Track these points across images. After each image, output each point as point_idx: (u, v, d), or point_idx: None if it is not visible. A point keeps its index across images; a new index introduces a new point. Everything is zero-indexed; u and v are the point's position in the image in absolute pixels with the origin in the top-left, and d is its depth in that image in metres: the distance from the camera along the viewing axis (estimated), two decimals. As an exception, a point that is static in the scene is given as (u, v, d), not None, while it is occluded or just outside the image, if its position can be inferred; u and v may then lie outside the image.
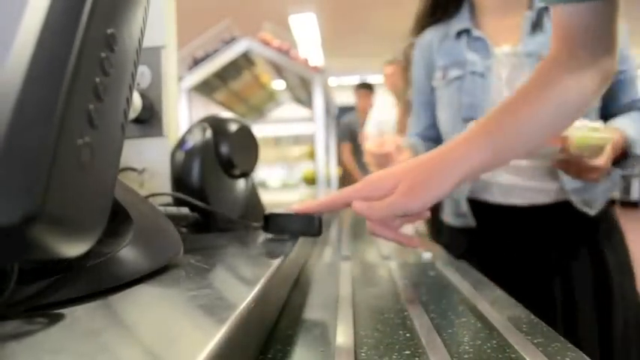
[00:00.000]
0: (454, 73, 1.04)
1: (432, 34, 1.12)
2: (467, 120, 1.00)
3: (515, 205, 0.98)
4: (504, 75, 0.99)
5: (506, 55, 0.99)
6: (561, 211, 0.95)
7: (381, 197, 0.55)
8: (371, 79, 8.19)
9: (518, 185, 0.97)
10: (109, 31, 0.26)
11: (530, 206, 0.97)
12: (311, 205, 0.58)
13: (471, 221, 1.03)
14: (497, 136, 0.57)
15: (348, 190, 0.56)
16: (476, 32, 1.03)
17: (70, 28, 0.23)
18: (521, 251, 0.98)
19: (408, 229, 1.08)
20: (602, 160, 0.79)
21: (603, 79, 0.63)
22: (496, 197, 1.00)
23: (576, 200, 0.93)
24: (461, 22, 1.06)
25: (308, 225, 0.58)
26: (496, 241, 1.01)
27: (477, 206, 1.03)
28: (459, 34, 1.05)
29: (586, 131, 0.76)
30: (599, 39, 0.62)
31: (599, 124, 0.77)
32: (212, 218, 0.66)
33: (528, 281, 0.95)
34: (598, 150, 0.77)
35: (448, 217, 1.12)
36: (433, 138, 1.15)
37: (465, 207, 1.04)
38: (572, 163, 0.81)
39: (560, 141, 0.77)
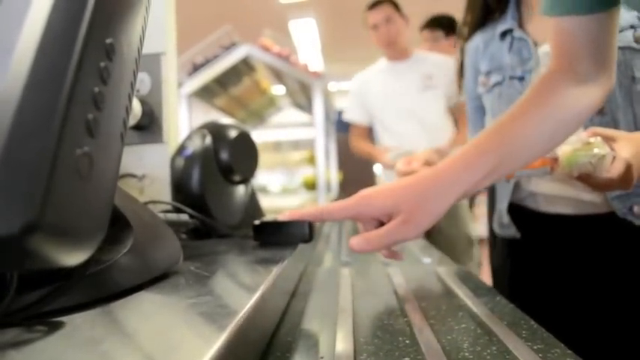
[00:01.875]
0: (494, 78, 0.98)
1: (479, 38, 1.05)
2: None
3: (561, 214, 0.91)
4: None
5: (548, 54, 0.88)
6: (611, 221, 0.85)
7: (371, 216, 0.55)
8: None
9: (564, 194, 0.91)
10: (108, 40, 0.26)
11: (577, 215, 0.89)
12: (300, 213, 0.58)
13: (514, 232, 0.98)
14: (495, 156, 0.56)
15: (339, 205, 0.55)
16: (518, 32, 0.94)
17: (70, 38, 0.23)
18: (566, 262, 0.91)
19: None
20: (614, 173, 0.69)
21: (602, 93, 0.63)
22: (541, 206, 0.94)
23: (619, 208, 0.83)
24: (506, 22, 0.97)
25: (299, 231, 0.58)
26: (540, 250, 0.96)
27: (522, 214, 0.98)
28: (504, 35, 0.97)
29: (574, 148, 0.71)
30: (600, 52, 0.61)
31: (594, 138, 0.72)
32: (211, 225, 0.66)
33: (571, 293, 0.90)
34: (589, 167, 0.70)
35: (495, 227, 1.07)
36: None
37: (506, 218, 0.99)
38: (587, 176, 0.73)
39: (549, 162, 0.74)
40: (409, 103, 2.17)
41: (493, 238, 1.12)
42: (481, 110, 1.08)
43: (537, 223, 0.96)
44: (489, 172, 0.55)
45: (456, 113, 2.18)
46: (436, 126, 2.15)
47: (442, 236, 2.01)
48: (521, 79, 0.92)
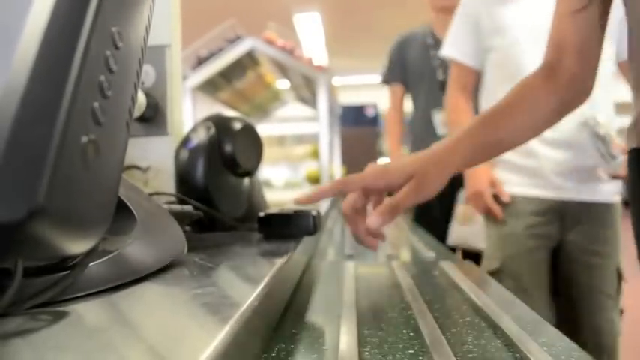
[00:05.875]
0: None
1: None
2: None
3: None
4: None
5: None
6: None
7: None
8: (375, 78, 8.17)
9: None
10: (114, 29, 0.26)
11: None
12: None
13: None
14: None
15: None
16: None
17: (76, 26, 0.23)
18: None
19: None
20: None
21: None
22: None
23: None
24: None
25: (303, 224, 0.58)
26: None
27: None
28: None
29: None
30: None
31: None
32: (215, 217, 0.66)
33: None
34: None
35: None
36: None
37: None
38: None
39: None
40: None
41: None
42: None
43: None
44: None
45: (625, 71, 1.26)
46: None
47: (577, 274, 1.23)
48: None
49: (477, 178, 1.31)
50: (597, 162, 1.18)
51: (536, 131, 0.71)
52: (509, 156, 1.23)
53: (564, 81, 0.68)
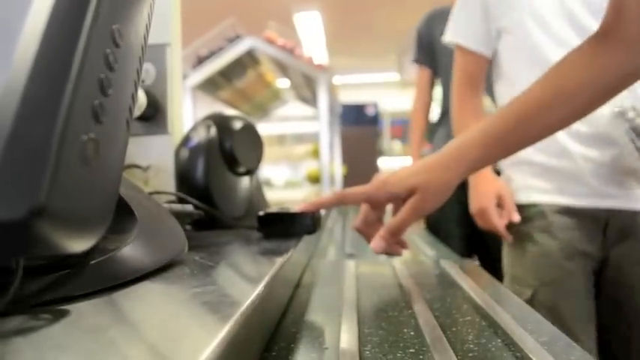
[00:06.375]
0: None
1: None
2: None
3: None
4: None
5: None
6: None
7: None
8: (375, 77, 8.17)
9: None
10: (115, 26, 0.26)
11: None
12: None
13: None
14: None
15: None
16: None
17: (76, 23, 0.23)
18: None
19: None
20: None
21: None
22: None
23: None
24: None
25: (303, 223, 0.58)
26: None
27: None
28: None
29: None
30: None
31: None
32: (216, 216, 0.66)
33: None
34: None
35: None
36: None
37: None
38: None
39: None
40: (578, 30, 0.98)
41: None
42: None
43: None
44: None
45: None
46: None
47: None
48: None
49: (481, 191, 1.07)
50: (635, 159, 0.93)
51: (577, 116, 0.61)
52: (534, 156, 1.01)
53: (624, 48, 0.58)
